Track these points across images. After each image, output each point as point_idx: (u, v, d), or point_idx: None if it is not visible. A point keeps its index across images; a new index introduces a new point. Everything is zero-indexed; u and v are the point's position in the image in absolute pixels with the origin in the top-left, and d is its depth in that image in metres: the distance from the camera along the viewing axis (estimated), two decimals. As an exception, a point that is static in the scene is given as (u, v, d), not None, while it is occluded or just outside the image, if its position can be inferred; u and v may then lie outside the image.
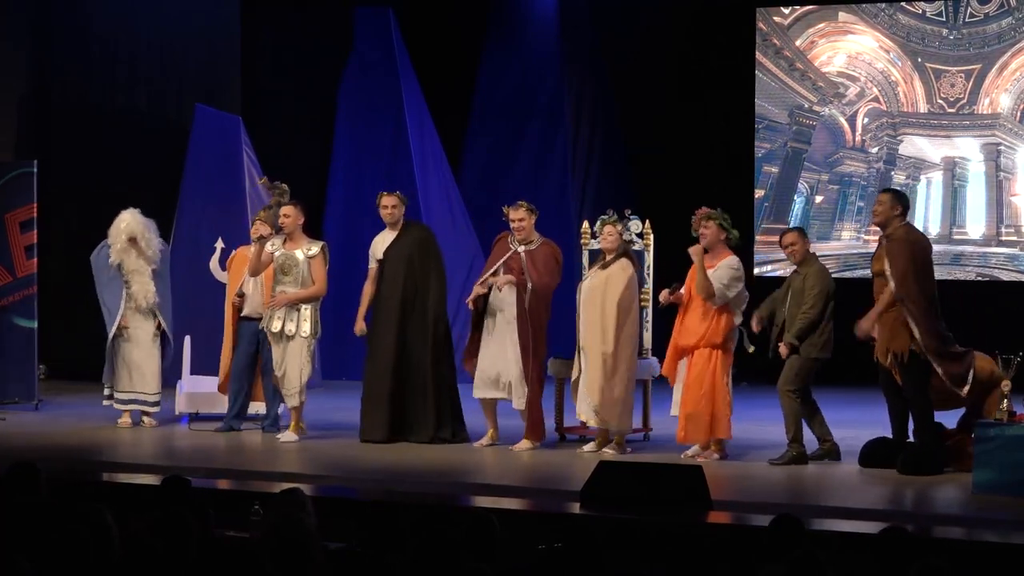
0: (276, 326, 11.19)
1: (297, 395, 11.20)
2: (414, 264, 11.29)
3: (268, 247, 11.30)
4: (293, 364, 11.16)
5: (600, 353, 10.56)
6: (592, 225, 11.66)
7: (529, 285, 10.84)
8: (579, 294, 10.80)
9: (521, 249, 11.00)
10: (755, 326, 10.40)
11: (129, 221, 11.98)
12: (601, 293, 10.63)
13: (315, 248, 11.33)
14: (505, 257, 10.99)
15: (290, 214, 11.30)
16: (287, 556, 5.33)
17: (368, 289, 11.39)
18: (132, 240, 11.91)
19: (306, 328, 11.19)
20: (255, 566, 5.19)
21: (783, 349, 10.20)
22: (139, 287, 11.89)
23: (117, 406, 12.01)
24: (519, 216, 11.00)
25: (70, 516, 5.77)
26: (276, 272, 11.27)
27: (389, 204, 11.37)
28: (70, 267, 15.08)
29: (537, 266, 10.90)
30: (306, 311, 11.22)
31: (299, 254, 11.28)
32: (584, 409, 10.63)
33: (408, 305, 11.26)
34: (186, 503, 6.48)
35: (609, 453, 10.56)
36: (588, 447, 10.74)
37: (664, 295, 10.56)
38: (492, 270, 10.98)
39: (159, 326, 11.99)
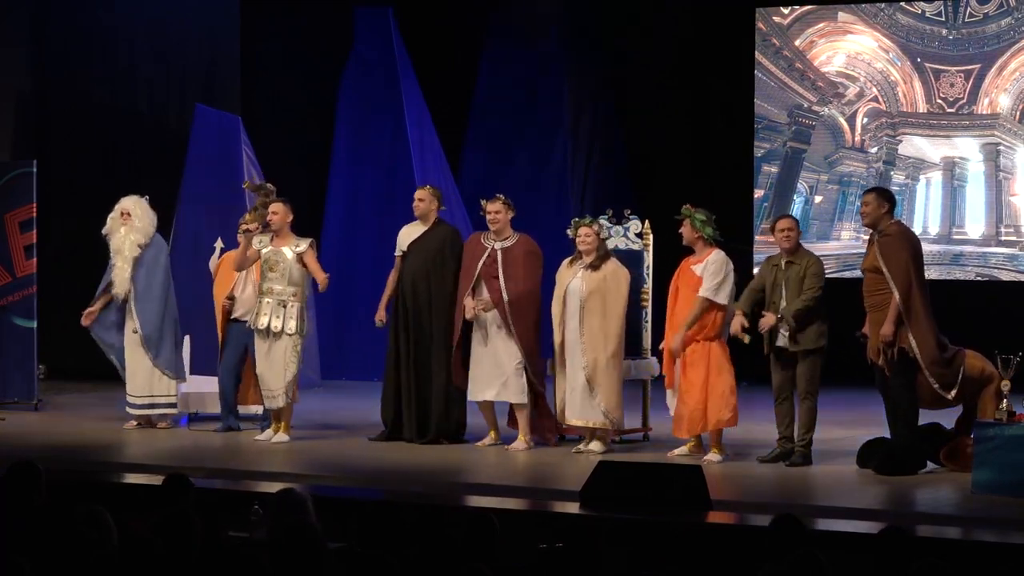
0: (263, 323, 11.17)
1: (283, 395, 11.14)
2: (433, 263, 11.26)
3: (256, 244, 11.29)
4: (277, 362, 11.12)
5: (607, 355, 10.55)
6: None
7: (505, 298, 10.84)
8: (564, 294, 10.70)
9: (497, 247, 11.00)
10: (738, 329, 10.24)
11: (125, 200, 11.90)
12: (602, 295, 10.61)
13: (303, 244, 11.29)
14: (482, 259, 10.98)
15: (279, 211, 11.29)
16: (296, 560, 5.33)
17: (392, 279, 11.38)
18: (124, 215, 11.79)
19: (292, 325, 11.14)
20: (257, 566, 5.20)
21: (769, 318, 10.06)
22: (117, 271, 11.77)
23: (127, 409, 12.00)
24: (495, 208, 11.01)
25: (70, 516, 5.78)
26: (264, 270, 11.25)
27: (418, 197, 11.38)
28: (70, 267, 15.09)
29: (515, 271, 10.88)
30: (292, 308, 11.17)
31: (287, 251, 11.26)
32: (590, 412, 10.58)
33: (421, 303, 11.24)
34: (188, 502, 6.49)
35: (597, 449, 10.55)
36: (584, 445, 10.71)
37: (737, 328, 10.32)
38: (473, 278, 10.97)
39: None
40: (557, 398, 10.77)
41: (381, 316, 11.37)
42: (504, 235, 11.03)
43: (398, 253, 11.41)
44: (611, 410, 10.58)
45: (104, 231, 11.93)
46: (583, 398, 10.59)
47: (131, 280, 11.78)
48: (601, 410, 10.54)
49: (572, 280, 10.69)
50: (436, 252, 11.27)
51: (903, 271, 9.69)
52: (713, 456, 10.31)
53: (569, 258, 10.85)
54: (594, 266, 10.65)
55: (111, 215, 11.93)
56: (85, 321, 11.99)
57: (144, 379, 11.83)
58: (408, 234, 11.41)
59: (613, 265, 10.73)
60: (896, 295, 9.64)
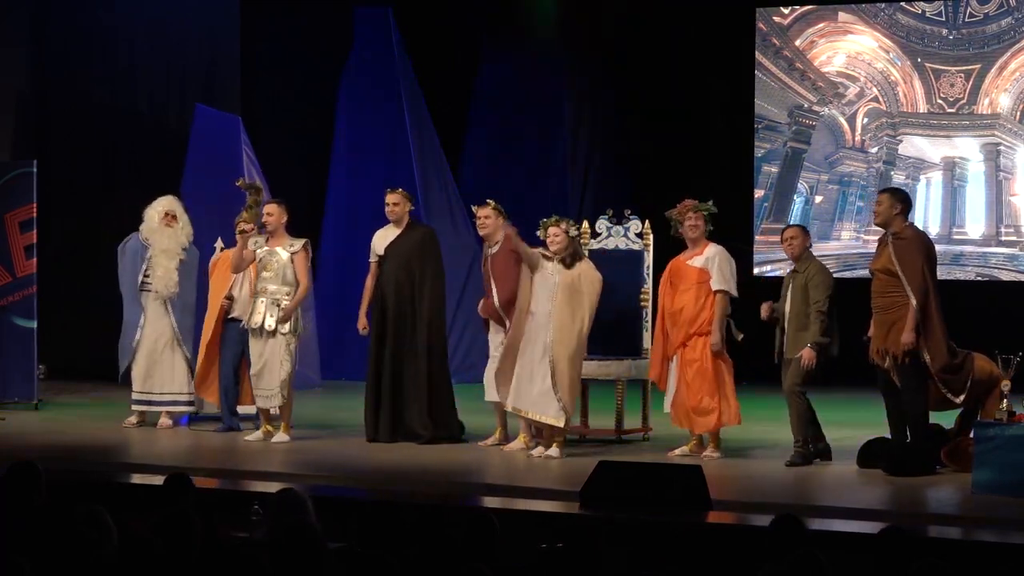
0: (257, 322, 11.17)
1: (279, 394, 11.14)
2: (413, 264, 11.30)
3: (251, 245, 11.31)
4: (272, 362, 11.12)
5: (569, 353, 10.49)
6: (592, 225, 11.67)
7: (496, 303, 10.88)
8: (536, 287, 10.62)
9: (489, 253, 11.07)
10: (766, 314, 10.31)
11: (168, 200, 12.01)
12: (571, 293, 10.54)
13: (297, 245, 11.31)
14: (484, 266, 11.10)
15: (273, 212, 11.31)
16: (296, 560, 5.33)
17: (370, 284, 11.39)
18: (169, 216, 11.89)
19: (286, 325, 11.17)
20: (257, 566, 5.20)
21: (808, 353, 10.08)
22: (163, 271, 11.84)
23: (139, 407, 12.01)
24: (484, 214, 11.06)
25: (70, 516, 5.78)
26: (260, 270, 11.26)
27: (391, 202, 11.39)
28: (70, 267, 15.10)
29: (502, 276, 10.88)
30: (286, 307, 11.20)
31: (281, 251, 11.27)
32: (547, 407, 10.48)
33: (405, 305, 11.26)
34: (189, 502, 6.50)
35: (555, 454, 10.48)
36: (537, 451, 10.53)
37: (766, 309, 10.34)
38: (486, 287, 11.09)
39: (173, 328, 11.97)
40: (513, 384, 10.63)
41: (363, 323, 11.36)
42: (494, 240, 11.05)
43: (373, 259, 11.40)
44: (568, 407, 10.50)
45: (144, 233, 11.94)
46: (541, 391, 10.46)
47: (178, 282, 11.87)
48: (560, 406, 10.45)
49: (543, 276, 10.60)
50: (416, 253, 11.30)
51: (920, 277, 9.66)
52: (712, 453, 10.32)
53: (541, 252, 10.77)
54: (566, 263, 10.58)
55: (152, 214, 11.95)
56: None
57: (185, 377, 11.91)
58: (383, 237, 11.41)
59: (586, 266, 10.63)
60: (913, 302, 9.62)
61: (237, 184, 12.38)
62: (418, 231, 11.48)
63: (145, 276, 11.91)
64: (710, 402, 10.35)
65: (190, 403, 12.01)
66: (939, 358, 9.64)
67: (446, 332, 11.55)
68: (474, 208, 11.21)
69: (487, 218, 11.04)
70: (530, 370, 10.50)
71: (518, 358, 10.56)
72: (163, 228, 11.91)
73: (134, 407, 12.00)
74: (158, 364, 11.89)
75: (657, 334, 10.68)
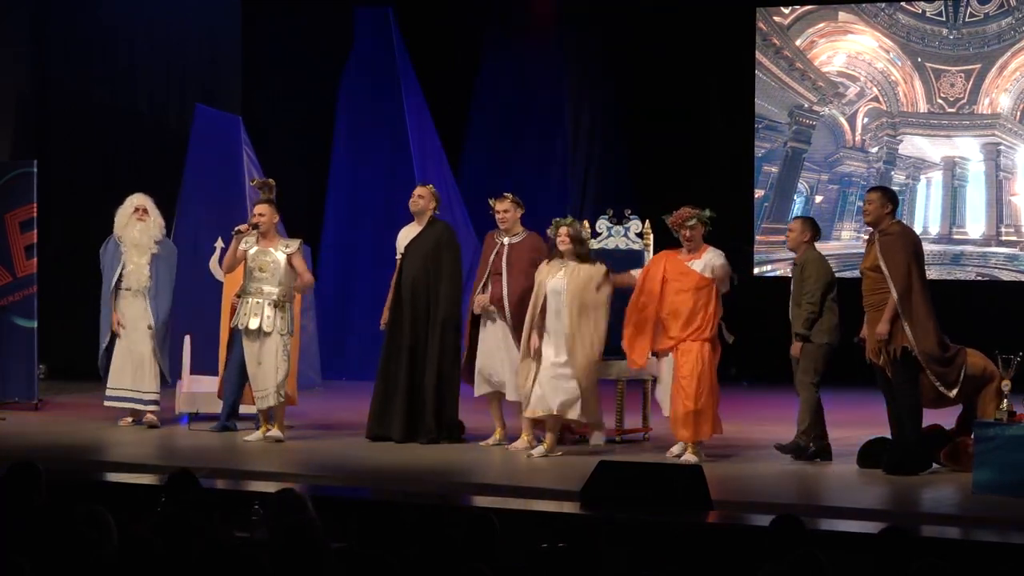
0: (254, 324, 11.17)
1: (273, 394, 11.14)
2: (429, 262, 11.29)
3: (242, 245, 11.31)
4: (268, 362, 11.13)
5: (589, 354, 10.49)
6: (592, 225, 11.66)
7: (505, 295, 10.86)
8: (549, 290, 10.58)
9: (505, 242, 11.05)
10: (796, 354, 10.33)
11: (139, 196, 12.08)
12: (582, 295, 10.51)
13: (293, 245, 11.33)
14: (492, 255, 11.03)
15: (265, 212, 11.31)
16: (296, 560, 5.33)
17: (395, 280, 11.41)
18: (140, 210, 11.96)
19: (282, 326, 11.17)
20: (257, 566, 5.20)
21: (796, 347, 10.17)
22: (133, 266, 11.88)
23: (112, 404, 12.02)
24: (503, 207, 11.06)
25: (70, 516, 5.78)
26: (252, 270, 11.25)
27: (417, 194, 11.42)
28: (70, 267, 15.09)
29: (518, 269, 10.86)
30: (284, 308, 11.19)
31: (276, 252, 11.26)
32: (573, 408, 10.51)
33: (420, 303, 11.26)
34: (192, 500, 6.50)
35: (538, 453, 10.50)
36: (538, 451, 10.54)
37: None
38: (485, 275, 11.02)
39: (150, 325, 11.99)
40: (525, 390, 10.62)
41: (386, 318, 11.37)
42: (514, 232, 11.07)
43: (399, 256, 11.44)
44: (592, 414, 10.52)
45: (117, 230, 11.99)
46: (572, 395, 10.48)
47: (150, 276, 11.89)
48: (581, 409, 10.48)
49: (552, 279, 10.58)
50: (433, 249, 11.31)
51: (902, 270, 9.71)
52: (689, 456, 10.24)
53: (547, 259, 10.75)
54: (575, 265, 10.53)
55: (123, 211, 12.02)
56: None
57: (153, 374, 11.93)
58: (405, 235, 11.45)
59: (595, 268, 10.56)
60: (894, 294, 9.67)
61: (252, 183, 12.39)
62: (437, 228, 11.45)
63: (121, 274, 11.96)
64: (707, 404, 10.29)
65: (157, 402, 12.01)
66: (928, 350, 9.64)
67: (460, 331, 11.48)
68: (491, 201, 11.19)
69: (506, 212, 11.06)
70: (553, 372, 10.48)
71: (541, 365, 10.53)
72: (134, 223, 11.97)
73: (121, 405, 12.01)
74: (141, 362, 11.91)
75: (631, 309, 10.53)
